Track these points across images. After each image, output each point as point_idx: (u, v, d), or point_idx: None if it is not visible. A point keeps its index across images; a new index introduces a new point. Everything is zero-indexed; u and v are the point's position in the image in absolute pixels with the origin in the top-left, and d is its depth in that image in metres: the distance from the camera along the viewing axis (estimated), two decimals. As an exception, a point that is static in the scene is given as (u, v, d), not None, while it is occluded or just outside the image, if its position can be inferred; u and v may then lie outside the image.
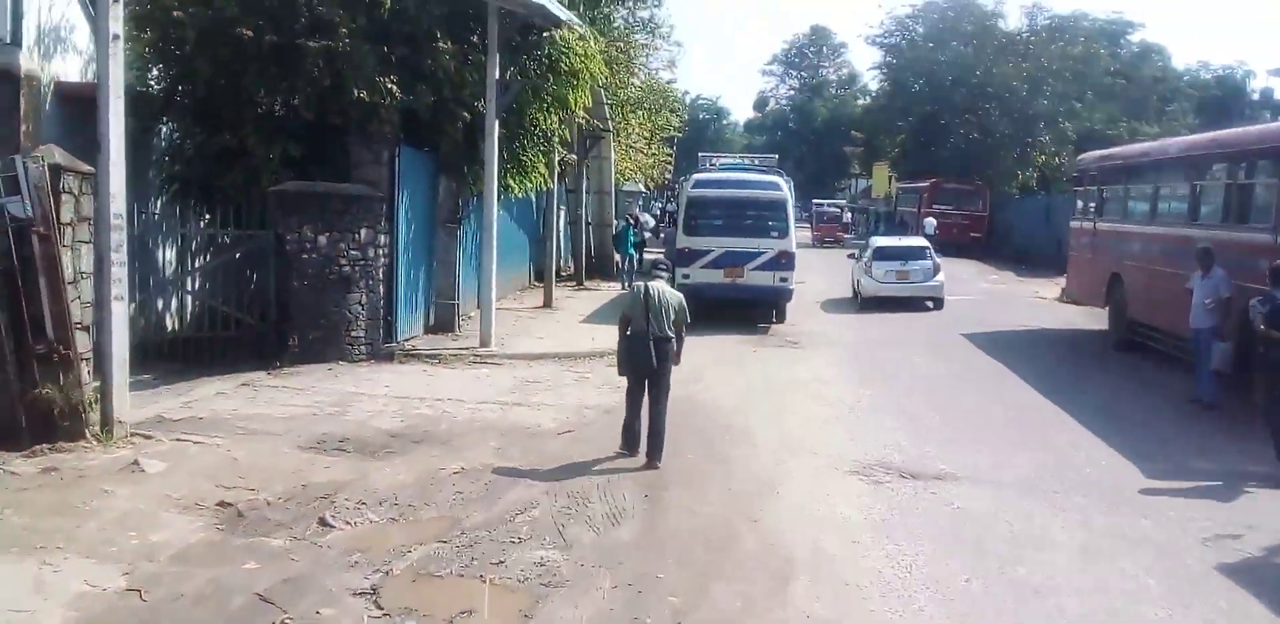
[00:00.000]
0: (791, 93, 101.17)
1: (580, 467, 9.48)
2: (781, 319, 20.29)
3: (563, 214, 26.58)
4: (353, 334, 14.28)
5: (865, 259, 24.47)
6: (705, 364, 15.47)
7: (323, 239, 13.99)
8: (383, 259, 14.55)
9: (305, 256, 13.96)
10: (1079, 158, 21.51)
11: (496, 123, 15.20)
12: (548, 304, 21.46)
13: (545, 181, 18.52)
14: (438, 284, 16.41)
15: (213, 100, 14.17)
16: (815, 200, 62.52)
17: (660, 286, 9.80)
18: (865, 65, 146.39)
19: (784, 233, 19.50)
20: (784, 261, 19.31)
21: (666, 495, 8.82)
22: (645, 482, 9.10)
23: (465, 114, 15.33)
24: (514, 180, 17.24)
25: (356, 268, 14.19)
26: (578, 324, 19.09)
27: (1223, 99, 78.19)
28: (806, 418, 11.95)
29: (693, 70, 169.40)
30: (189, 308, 15.02)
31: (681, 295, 10.03)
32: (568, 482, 8.91)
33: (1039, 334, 19.98)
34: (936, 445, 10.59)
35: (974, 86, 47.01)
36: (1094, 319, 20.45)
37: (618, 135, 27.98)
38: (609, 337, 15.93)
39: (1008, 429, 11.62)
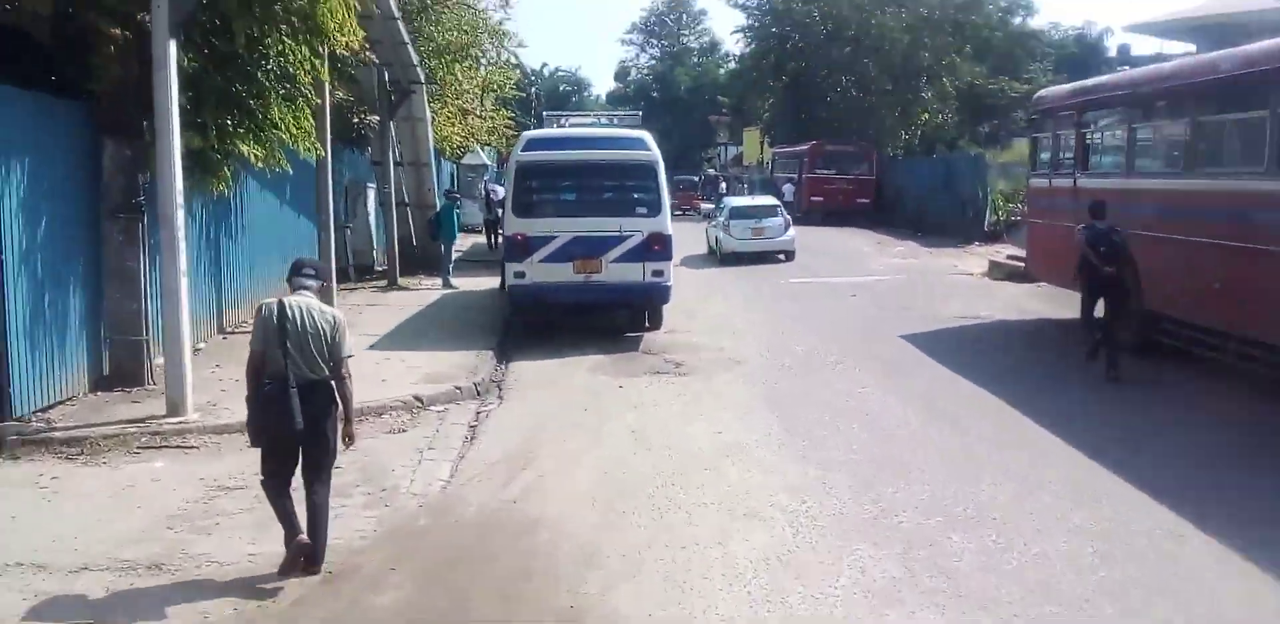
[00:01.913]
0: (653, 62, 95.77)
1: None
2: (656, 325, 14.52)
3: (371, 193, 20.22)
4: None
5: (722, 219, 25.51)
6: (541, 421, 9.64)
7: None
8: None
9: None
10: (1038, 95, 16.10)
11: (173, 45, 8.91)
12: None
13: (311, 145, 12.17)
14: (112, 311, 10.06)
15: None
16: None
17: (304, 304, 6.03)
18: (727, 31, 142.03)
19: (655, 208, 13.58)
20: (657, 249, 13.43)
21: None
22: None
23: (121, 33, 9.07)
24: (243, 142, 10.93)
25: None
26: (362, 352, 12.98)
27: (1081, 57, 76.12)
28: (738, 572, 6.10)
29: (550, 41, 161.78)
30: None
31: (339, 315, 6.20)
32: None
33: (999, 329, 14.61)
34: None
35: (850, 40, 41.73)
36: (1055, 303, 15.23)
37: (440, 90, 21.71)
38: (411, 373, 10.57)
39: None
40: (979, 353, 12.81)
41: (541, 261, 13.28)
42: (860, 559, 6.10)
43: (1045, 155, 14.97)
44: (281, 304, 5.94)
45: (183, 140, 9.28)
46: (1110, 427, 9.09)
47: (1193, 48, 70.36)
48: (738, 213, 25.20)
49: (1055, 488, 7.38)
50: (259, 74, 10.95)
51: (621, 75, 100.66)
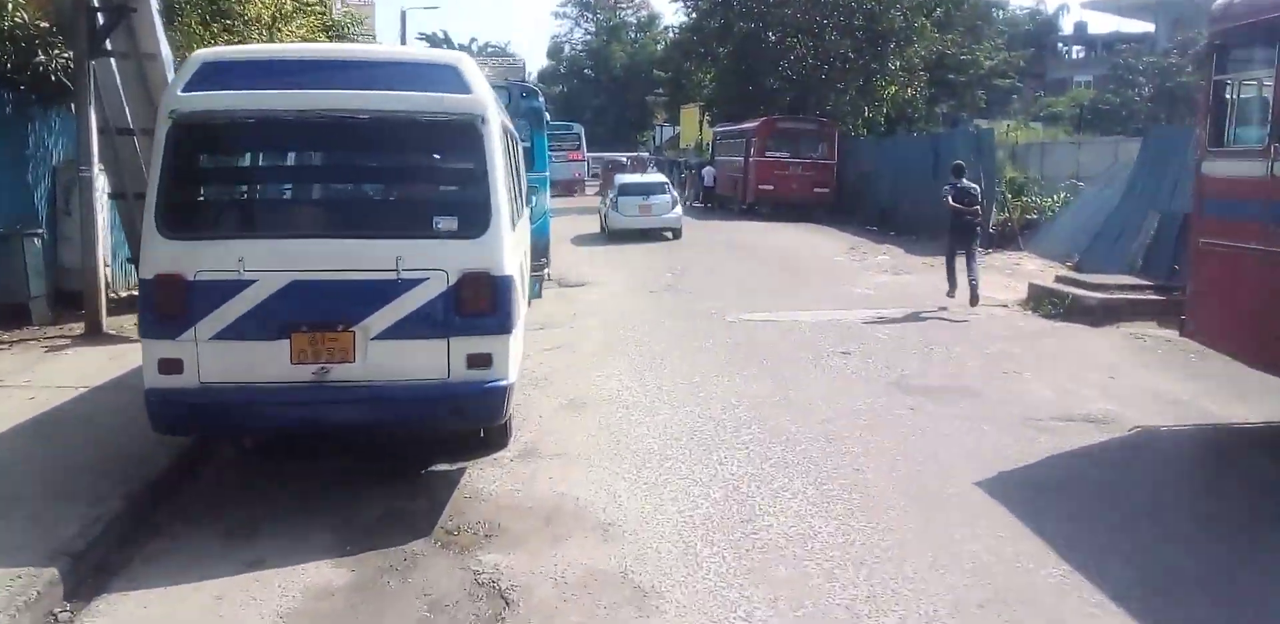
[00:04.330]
0: (588, 38, 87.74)
1: None
2: (498, 442, 7.31)
3: (100, 180, 12.36)
4: None
5: (611, 196, 25.02)
6: None
7: None
8: None
9: None
10: (1222, 6, 8.48)
11: None
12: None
13: None
14: None
15: None
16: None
17: None
18: (666, 3, 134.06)
19: (480, 217, 6.03)
20: (480, 307, 5.94)
21: None
22: None
23: None
24: None
25: None
26: None
27: (1035, 34, 69.80)
28: None
29: (478, 13, 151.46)
30: None
31: None
32: None
33: (1161, 460, 7.30)
34: None
35: (807, -4, 34.26)
36: (1215, 383, 8.24)
37: (183, 9, 13.73)
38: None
39: None
40: (1188, 548, 5.57)
41: (221, 337, 5.76)
42: None
43: (1242, 117, 7.69)
44: None
45: None
46: None
47: (1150, 27, 63.56)
48: (626, 190, 24.77)
49: None
50: None
51: (554, 52, 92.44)
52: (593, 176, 45.18)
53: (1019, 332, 12.12)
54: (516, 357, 6.49)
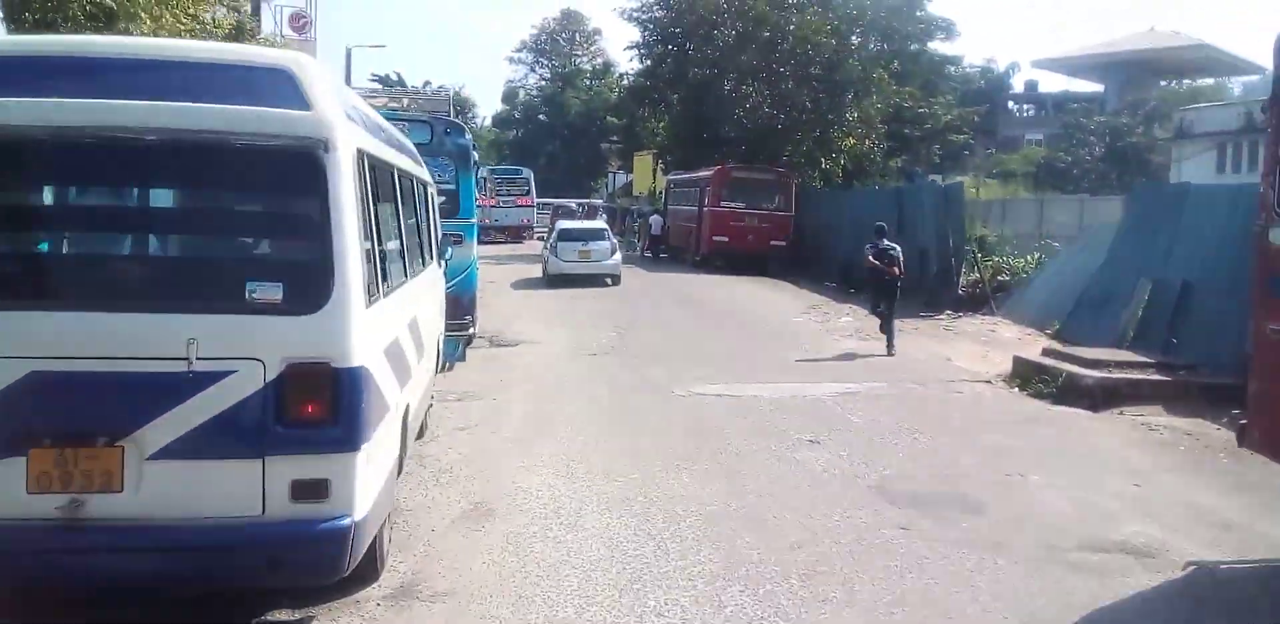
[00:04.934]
0: (543, 83, 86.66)
1: None
2: (379, 570, 5.37)
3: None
4: None
5: (551, 241, 24.94)
6: None
7: None
8: None
9: None
10: None
11: None
12: None
13: None
14: None
15: None
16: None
17: None
18: (620, 50, 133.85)
19: (322, 286, 4.16)
20: (310, 414, 4.08)
21: None
22: None
23: None
24: None
25: None
26: None
27: (987, 91, 69.70)
28: None
29: (432, 57, 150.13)
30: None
31: None
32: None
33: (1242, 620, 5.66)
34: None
35: (765, 43, 32.96)
36: (1273, 505, 6.53)
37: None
38: None
39: None
40: None
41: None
42: None
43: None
44: None
45: None
46: None
47: (1100, 87, 63.34)
48: (565, 235, 24.50)
49: None
50: None
51: (509, 97, 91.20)
52: (543, 225, 43.49)
53: (1010, 416, 10.39)
54: (373, 480, 4.58)
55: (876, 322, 17.68)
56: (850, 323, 17.32)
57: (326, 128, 4.28)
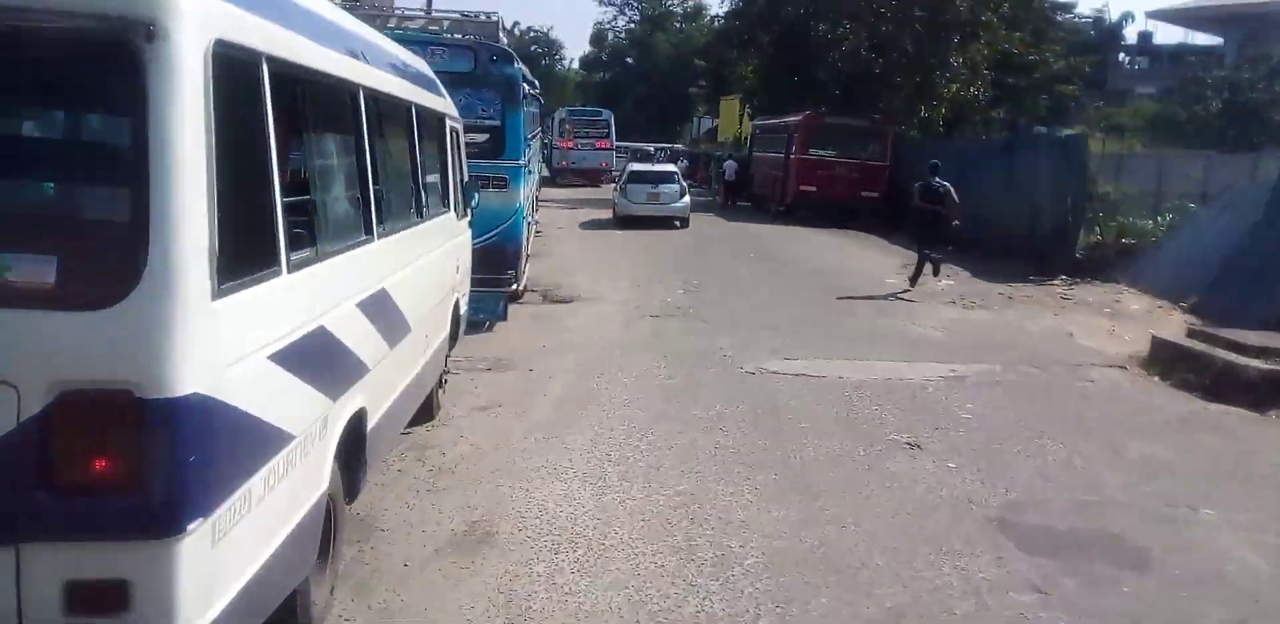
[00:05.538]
0: (632, 26, 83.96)
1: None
2: None
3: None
4: None
5: (621, 182, 25.06)
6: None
7: None
8: None
9: None
10: None
11: None
12: None
13: None
14: None
15: None
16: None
17: None
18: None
19: (131, 262, 2.43)
20: (122, 475, 2.39)
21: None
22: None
23: None
24: None
25: None
26: None
27: (1097, 42, 65.27)
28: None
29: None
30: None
31: None
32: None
33: None
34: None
35: (866, -21, 30.19)
36: None
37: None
38: None
39: None
40: None
41: None
42: None
43: None
44: None
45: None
46: None
47: (1219, 41, 58.61)
48: (635, 177, 24.56)
49: None
50: None
51: (597, 39, 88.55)
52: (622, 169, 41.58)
53: (1158, 416, 8.37)
54: (231, 570, 2.85)
55: (980, 285, 15.68)
56: (951, 287, 15.20)
57: (153, 3, 2.51)
